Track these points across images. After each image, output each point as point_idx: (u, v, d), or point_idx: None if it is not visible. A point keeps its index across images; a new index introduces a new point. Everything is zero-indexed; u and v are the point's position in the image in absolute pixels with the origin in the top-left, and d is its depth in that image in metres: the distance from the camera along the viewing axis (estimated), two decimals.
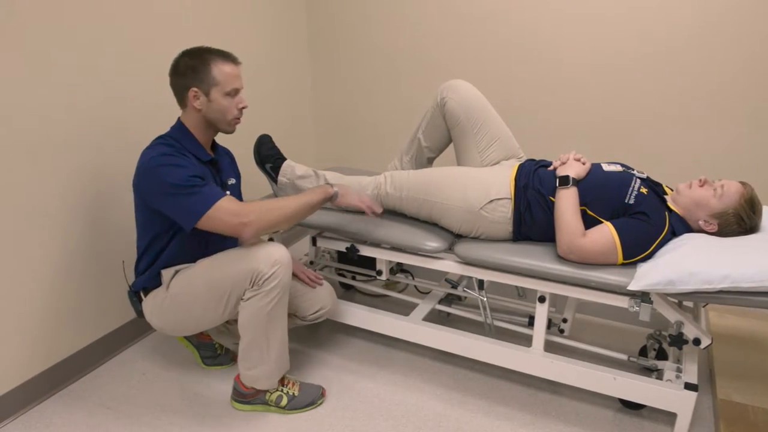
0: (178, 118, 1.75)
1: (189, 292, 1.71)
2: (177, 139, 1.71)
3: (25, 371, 1.85)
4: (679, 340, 1.64)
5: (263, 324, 1.71)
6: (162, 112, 2.20)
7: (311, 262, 2.40)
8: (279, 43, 2.95)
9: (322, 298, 1.97)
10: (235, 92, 1.70)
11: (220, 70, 1.66)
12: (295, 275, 1.95)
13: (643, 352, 1.96)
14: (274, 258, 1.66)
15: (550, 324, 2.02)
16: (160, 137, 1.72)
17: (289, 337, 1.90)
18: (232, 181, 1.90)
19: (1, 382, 1.78)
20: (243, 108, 1.75)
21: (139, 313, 1.84)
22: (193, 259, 1.77)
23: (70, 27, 1.82)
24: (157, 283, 1.79)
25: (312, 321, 1.99)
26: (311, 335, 2.27)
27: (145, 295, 1.81)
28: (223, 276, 1.67)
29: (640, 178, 1.77)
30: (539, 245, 1.81)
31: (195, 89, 1.67)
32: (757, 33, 2.30)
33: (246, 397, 1.83)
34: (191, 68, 1.66)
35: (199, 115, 1.71)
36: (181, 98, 1.71)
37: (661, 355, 1.91)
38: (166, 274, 1.75)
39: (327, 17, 3.12)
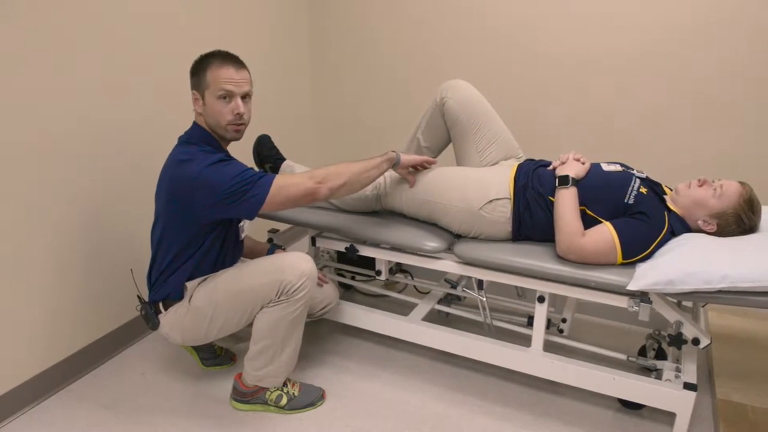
0: (194, 120, 1.73)
1: (212, 304, 1.70)
2: (203, 142, 1.67)
3: (26, 371, 1.85)
4: (678, 340, 1.65)
5: (283, 331, 1.72)
6: (171, 120, 2.20)
7: None
8: (279, 43, 2.96)
9: (328, 295, 2.02)
10: (228, 95, 1.64)
11: (214, 72, 1.63)
12: None
13: (642, 352, 1.96)
14: (301, 269, 1.68)
15: (549, 324, 2.02)
16: (190, 142, 1.67)
17: None
18: None
19: (2, 381, 1.78)
20: (238, 114, 1.66)
21: (154, 325, 1.79)
22: (215, 266, 1.77)
23: (74, 39, 1.83)
24: (179, 293, 1.76)
25: (319, 317, 2.04)
26: (311, 335, 2.27)
27: (165, 308, 1.77)
28: (249, 287, 1.68)
29: (639, 177, 1.77)
30: (538, 245, 1.81)
31: (194, 92, 1.67)
32: (758, 33, 2.30)
33: (246, 396, 1.83)
34: (193, 70, 1.67)
35: (202, 119, 1.70)
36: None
37: (661, 355, 1.91)
38: (191, 286, 1.74)
39: (327, 17, 3.12)
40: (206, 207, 1.59)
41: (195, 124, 1.72)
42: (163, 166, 1.70)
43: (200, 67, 1.65)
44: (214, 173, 1.56)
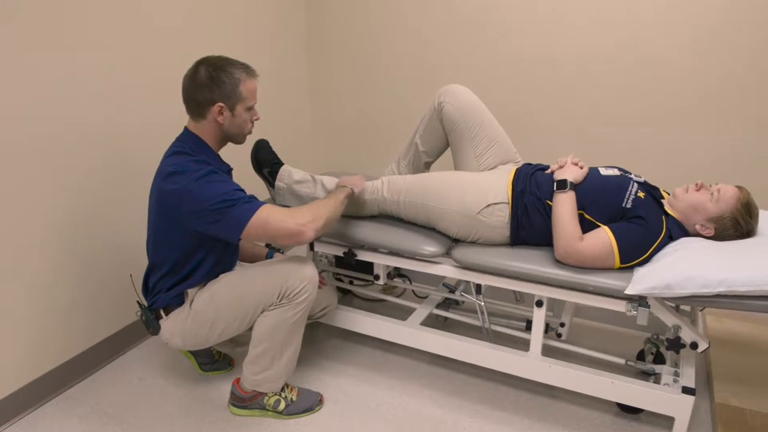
0: (186, 128, 1.71)
1: (213, 308, 1.70)
2: (197, 152, 1.66)
3: (23, 376, 1.84)
4: (676, 344, 1.65)
5: (282, 335, 1.72)
6: (170, 123, 2.20)
7: None
8: (277, 48, 2.96)
9: (327, 297, 2.03)
10: (253, 106, 1.71)
11: (246, 86, 1.64)
12: None
13: (640, 356, 1.96)
14: (303, 273, 1.68)
15: (547, 328, 2.02)
16: (181, 152, 1.64)
17: None
18: None
19: None
20: (256, 120, 1.75)
21: (155, 330, 1.78)
22: (214, 269, 1.77)
23: (70, 41, 1.83)
24: (180, 299, 1.76)
25: (317, 318, 2.05)
26: (308, 340, 2.26)
27: (166, 314, 1.77)
28: (250, 291, 1.68)
29: (637, 182, 1.78)
30: (537, 249, 1.81)
31: (221, 104, 1.63)
32: (757, 37, 2.31)
33: (244, 401, 1.82)
34: (216, 81, 1.61)
35: (218, 129, 1.68)
36: (200, 110, 1.65)
37: (659, 359, 1.91)
38: (192, 292, 1.74)
39: (325, 22, 3.13)
40: (191, 221, 1.59)
41: (190, 133, 1.69)
42: (153, 177, 1.70)
43: (228, 81, 1.61)
44: (202, 187, 1.56)
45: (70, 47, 1.84)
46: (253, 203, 1.59)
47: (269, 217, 1.58)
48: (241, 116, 1.68)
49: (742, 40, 2.33)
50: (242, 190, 1.62)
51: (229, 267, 1.84)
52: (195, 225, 1.60)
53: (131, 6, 2.04)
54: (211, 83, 1.61)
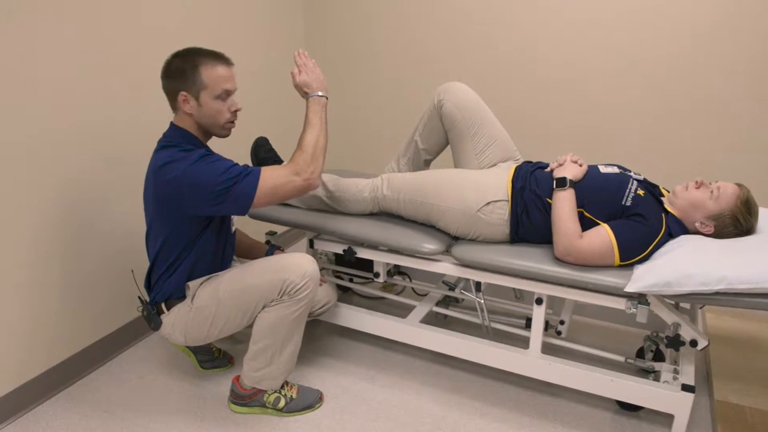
0: (172, 122, 1.71)
1: (215, 303, 1.70)
2: (184, 143, 1.65)
3: (22, 374, 1.84)
4: (676, 342, 1.65)
5: (283, 331, 1.73)
6: (166, 119, 2.20)
7: None
8: (276, 45, 2.95)
9: (327, 294, 2.02)
10: (226, 95, 1.65)
11: (209, 72, 1.61)
12: None
13: (640, 353, 1.96)
14: (304, 270, 1.68)
15: (547, 326, 2.02)
16: (170, 145, 1.64)
17: None
18: None
19: None
20: (236, 111, 1.70)
21: (156, 326, 1.78)
22: (213, 260, 1.78)
23: (61, 34, 1.82)
24: (181, 293, 1.76)
25: (317, 315, 2.04)
26: (308, 338, 2.26)
27: (167, 308, 1.76)
28: (252, 286, 1.68)
29: (636, 180, 1.78)
30: (536, 247, 1.81)
31: (184, 93, 1.62)
32: (756, 36, 2.31)
33: (244, 399, 1.83)
34: (181, 71, 1.61)
35: (191, 120, 1.67)
36: (173, 102, 1.67)
37: (659, 357, 1.91)
38: (193, 286, 1.74)
39: (324, 19, 3.12)
40: (196, 206, 1.60)
41: (173, 125, 1.70)
42: (146, 175, 1.70)
43: (188, 68, 1.60)
44: (199, 172, 1.56)
45: (69, 47, 1.83)
46: (252, 174, 1.60)
47: (275, 185, 1.61)
48: (209, 106, 1.64)
49: (742, 40, 2.33)
50: (236, 165, 1.62)
51: (229, 253, 1.85)
52: (200, 210, 1.62)
53: (131, 5, 2.04)
54: (176, 72, 1.62)
